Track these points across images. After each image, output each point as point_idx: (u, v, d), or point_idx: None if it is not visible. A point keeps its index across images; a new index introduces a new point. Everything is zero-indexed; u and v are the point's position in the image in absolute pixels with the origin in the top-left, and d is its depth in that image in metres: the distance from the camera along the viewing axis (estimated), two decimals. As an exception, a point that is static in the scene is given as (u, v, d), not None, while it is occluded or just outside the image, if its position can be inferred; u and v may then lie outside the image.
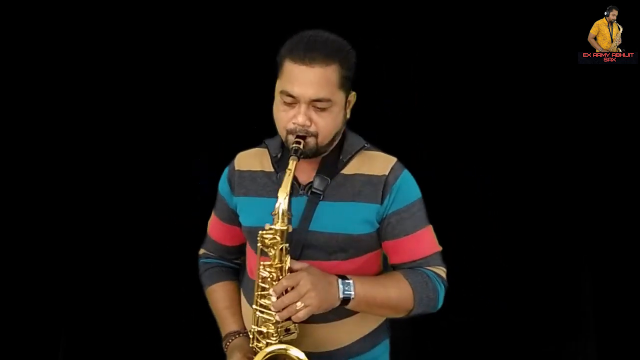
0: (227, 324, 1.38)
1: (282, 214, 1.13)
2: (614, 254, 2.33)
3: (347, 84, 1.21)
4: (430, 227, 1.29)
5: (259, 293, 1.19)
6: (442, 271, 1.28)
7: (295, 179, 1.24)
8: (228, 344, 1.33)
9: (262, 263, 1.17)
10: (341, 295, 1.14)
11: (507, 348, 2.40)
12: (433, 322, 2.15)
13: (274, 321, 1.16)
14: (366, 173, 1.25)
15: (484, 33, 2.30)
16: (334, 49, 1.17)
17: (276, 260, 1.15)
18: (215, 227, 1.47)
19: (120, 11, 2.32)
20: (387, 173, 1.24)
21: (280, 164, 1.29)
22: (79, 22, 2.31)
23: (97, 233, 2.40)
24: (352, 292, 1.14)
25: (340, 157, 1.26)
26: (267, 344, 1.18)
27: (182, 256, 2.37)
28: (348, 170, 1.26)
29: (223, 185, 1.40)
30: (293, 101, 1.17)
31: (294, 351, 1.16)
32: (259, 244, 1.16)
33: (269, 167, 1.32)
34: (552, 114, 2.33)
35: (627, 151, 2.29)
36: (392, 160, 1.28)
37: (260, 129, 1.39)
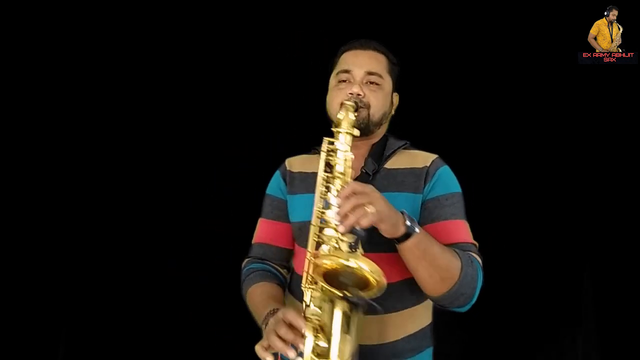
0: (270, 306, 1.22)
1: (352, 123, 1.18)
2: (614, 253, 2.33)
3: (394, 75, 1.37)
4: (467, 223, 1.28)
5: (320, 210, 1.14)
6: (480, 260, 1.24)
7: None
8: (270, 319, 1.16)
9: (325, 174, 1.17)
10: (408, 223, 1.09)
11: (511, 348, 2.41)
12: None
13: (335, 239, 1.08)
14: (408, 167, 1.31)
15: (485, 33, 2.31)
16: (383, 47, 1.36)
17: (340, 169, 1.14)
18: (266, 230, 1.42)
19: (151, 25, 2.32)
20: (428, 165, 1.30)
21: None
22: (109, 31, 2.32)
23: (98, 234, 2.40)
24: (417, 228, 1.11)
25: (384, 152, 1.34)
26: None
27: (182, 257, 2.38)
28: (390, 164, 1.32)
29: (277, 185, 1.42)
30: (348, 78, 1.31)
31: (359, 263, 0.98)
32: (323, 152, 1.19)
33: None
34: (552, 114, 2.34)
35: (627, 151, 2.29)
36: (434, 155, 1.34)
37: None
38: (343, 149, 1.15)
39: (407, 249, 1.12)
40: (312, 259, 1.11)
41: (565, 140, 2.34)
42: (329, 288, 1.01)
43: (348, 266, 0.99)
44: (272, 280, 1.36)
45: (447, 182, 1.30)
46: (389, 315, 1.23)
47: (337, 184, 1.12)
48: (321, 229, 1.13)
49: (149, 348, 2.42)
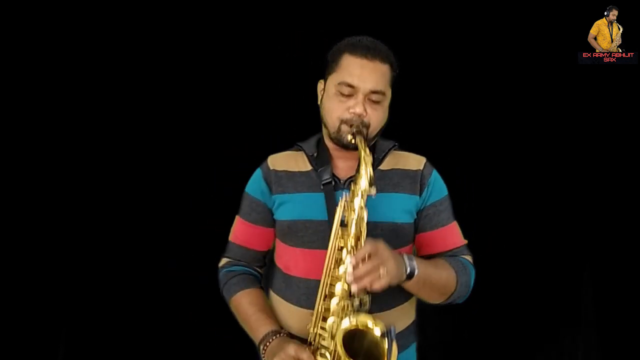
0: (263, 325, 1.29)
1: (370, 180, 1.16)
2: (614, 253, 2.33)
3: (392, 83, 1.31)
4: (456, 222, 1.38)
5: (331, 265, 1.18)
6: (471, 259, 1.36)
7: (334, 176, 1.31)
8: (268, 343, 1.25)
9: (340, 229, 1.18)
10: (408, 269, 1.15)
11: (511, 348, 2.41)
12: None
13: (346, 295, 1.14)
14: (401, 168, 1.34)
15: (485, 33, 2.31)
16: (389, 52, 1.30)
17: (354, 228, 1.15)
18: (243, 232, 1.42)
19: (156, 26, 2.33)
20: (421, 168, 1.35)
21: (317, 161, 1.34)
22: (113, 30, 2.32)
23: (98, 234, 2.39)
24: (416, 267, 1.17)
25: (375, 155, 1.34)
26: (342, 318, 1.13)
27: (182, 257, 2.38)
28: (384, 166, 1.34)
29: (258, 186, 1.38)
30: (351, 92, 1.25)
31: (377, 330, 1.09)
32: (340, 208, 1.18)
33: (305, 167, 1.35)
34: (552, 114, 2.34)
35: (627, 151, 2.29)
36: (423, 158, 1.38)
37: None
38: (358, 209, 1.16)
39: (408, 286, 1.20)
40: (323, 308, 1.18)
41: (565, 140, 2.35)
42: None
43: (378, 344, 1.08)
44: (255, 285, 1.40)
45: (440, 186, 1.37)
46: (383, 313, 1.26)
47: (351, 241, 1.15)
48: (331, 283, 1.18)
49: (149, 348, 2.42)
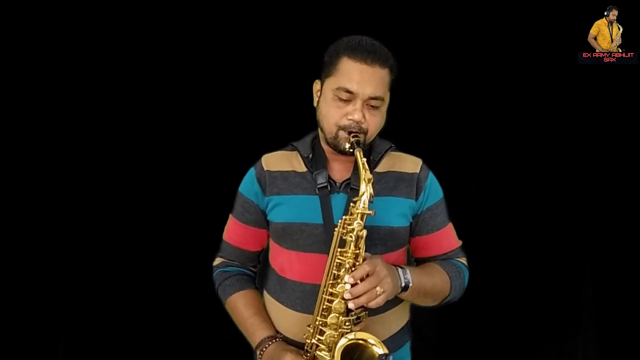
0: (260, 330, 1.31)
1: (368, 199, 1.15)
2: (614, 253, 2.33)
3: (392, 86, 1.28)
4: (451, 224, 1.40)
5: (330, 282, 1.18)
6: (465, 261, 1.40)
7: (330, 178, 1.30)
8: (265, 348, 1.27)
9: (339, 250, 1.18)
10: (403, 283, 1.18)
11: (511, 348, 2.41)
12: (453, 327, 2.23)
13: (343, 310, 1.15)
14: (398, 170, 1.33)
15: (484, 33, 2.31)
16: (388, 55, 1.26)
17: (352, 247, 1.16)
18: (236, 232, 1.42)
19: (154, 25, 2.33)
20: (417, 171, 1.33)
21: (313, 164, 1.32)
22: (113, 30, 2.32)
23: (98, 234, 2.39)
24: (411, 280, 1.19)
25: (371, 157, 1.32)
26: (341, 334, 1.16)
27: (182, 257, 2.38)
28: (380, 168, 1.33)
29: (251, 186, 1.37)
30: (349, 98, 1.21)
31: (377, 348, 1.15)
32: (339, 229, 1.18)
33: (300, 168, 1.33)
34: (552, 114, 2.34)
35: (627, 151, 2.29)
36: (419, 160, 1.36)
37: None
38: (358, 228, 1.16)
39: (402, 296, 1.23)
40: (320, 324, 1.19)
41: (565, 140, 2.34)
42: None
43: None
44: (250, 285, 1.42)
45: (436, 189, 1.36)
46: (378, 316, 1.27)
47: (350, 258, 1.16)
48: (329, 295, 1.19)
49: (149, 348, 2.42)
